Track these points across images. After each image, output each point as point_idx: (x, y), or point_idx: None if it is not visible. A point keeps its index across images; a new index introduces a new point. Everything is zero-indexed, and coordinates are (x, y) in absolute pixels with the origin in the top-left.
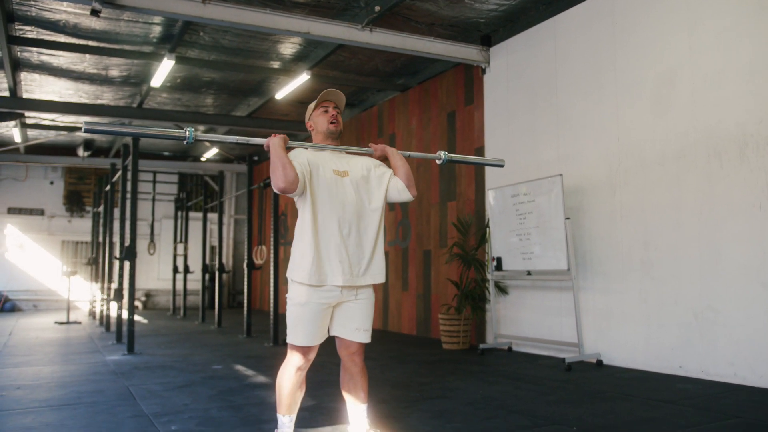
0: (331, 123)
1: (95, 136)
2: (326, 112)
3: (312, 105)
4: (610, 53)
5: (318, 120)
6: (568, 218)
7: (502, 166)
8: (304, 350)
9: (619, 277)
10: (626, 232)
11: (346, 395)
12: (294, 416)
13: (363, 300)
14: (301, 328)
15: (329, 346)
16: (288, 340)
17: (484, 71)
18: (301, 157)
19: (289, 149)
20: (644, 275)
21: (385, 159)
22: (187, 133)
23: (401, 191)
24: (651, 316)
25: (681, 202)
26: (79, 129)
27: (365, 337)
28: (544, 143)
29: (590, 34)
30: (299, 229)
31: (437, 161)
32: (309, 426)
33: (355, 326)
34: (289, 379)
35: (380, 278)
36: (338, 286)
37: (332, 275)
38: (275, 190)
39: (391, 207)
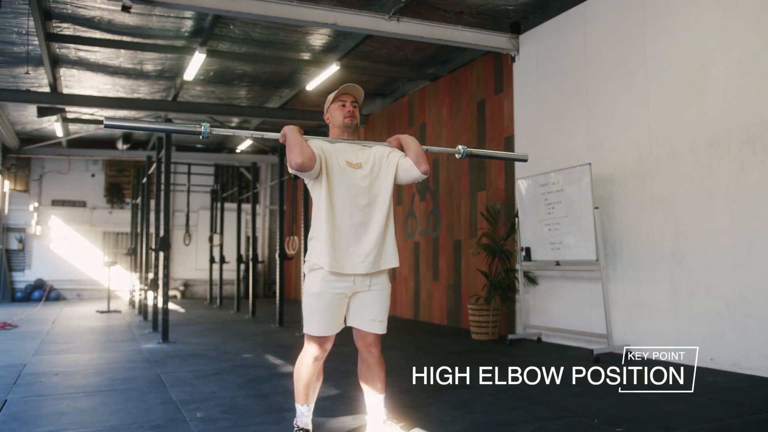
0: (347, 117)
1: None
2: (343, 106)
3: (330, 97)
4: (640, 39)
5: (335, 114)
6: (596, 208)
7: (525, 160)
8: (320, 340)
9: (649, 268)
10: (657, 222)
11: (363, 386)
12: (312, 405)
13: (377, 291)
14: (317, 319)
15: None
16: (304, 331)
17: (513, 59)
18: (316, 143)
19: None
20: (675, 265)
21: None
22: (203, 128)
23: (409, 169)
24: (681, 307)
25: (713, 190)
26: None
27: (380, 328)
28: (574, 131)
29: (620, 20)
30: (314, 217)
31: (456, 156)
32: (330, 415)
33: (371, 317)
34: (307, 368)
35: (394, 263)
36: (352, 274)
37: (346, 263)
38: (292, 169)
39: (422, 197)
